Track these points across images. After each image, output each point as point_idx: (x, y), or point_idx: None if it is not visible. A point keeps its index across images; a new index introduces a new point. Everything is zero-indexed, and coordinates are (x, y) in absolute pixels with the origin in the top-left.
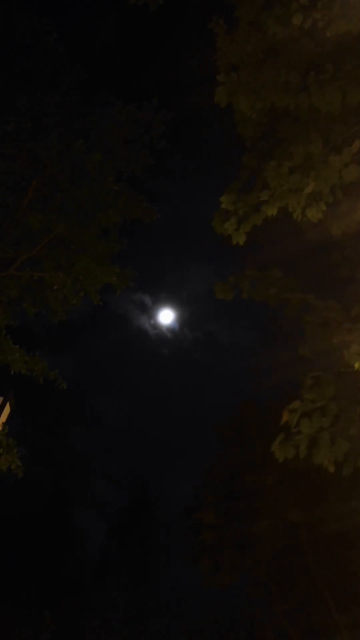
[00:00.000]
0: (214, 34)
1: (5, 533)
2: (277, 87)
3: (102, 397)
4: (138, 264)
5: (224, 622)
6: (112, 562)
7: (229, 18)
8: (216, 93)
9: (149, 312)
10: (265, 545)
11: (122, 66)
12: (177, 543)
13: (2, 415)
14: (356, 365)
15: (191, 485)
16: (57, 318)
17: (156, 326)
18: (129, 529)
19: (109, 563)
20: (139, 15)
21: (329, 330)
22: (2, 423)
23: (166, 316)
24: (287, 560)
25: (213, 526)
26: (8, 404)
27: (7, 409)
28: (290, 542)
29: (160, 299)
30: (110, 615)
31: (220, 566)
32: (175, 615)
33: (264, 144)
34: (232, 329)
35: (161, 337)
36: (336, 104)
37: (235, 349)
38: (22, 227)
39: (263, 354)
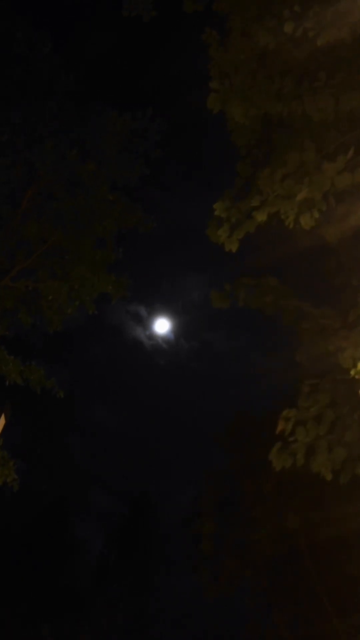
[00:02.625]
0: (207, 44)
1: (3, 543)
2: (270, 94)
3: (99, 406)
4: (133, 274)
5: (223, 631)
6: (111, 572)
7: (222, 29)
8: (209, 99)
9: (145, 323)
10: (264, 553)
11: (117, 76)
12: (176, 552)
13: None
14: (352, 372)
15: (190, 493)
16: (52, 328)
17: (152, 337)
18: (128, 537)
19: (108, 572)
20: (134, 26)
21: (325, 337)
22: None
23: (162, 325)
24: (286, 567)
25: (212, 536)
26: (3, 415)
27: (2, 421)
28: (289, 549)
29: (156, 309)
30: (109, 625)
31: (219, 575)
32: (174, 625)
33: (258, 152)
34: (229, 337)
35: (157, 348)
36: (329, 111)
37: (232, 358)
38: (17, 237)
39: (260, 361)
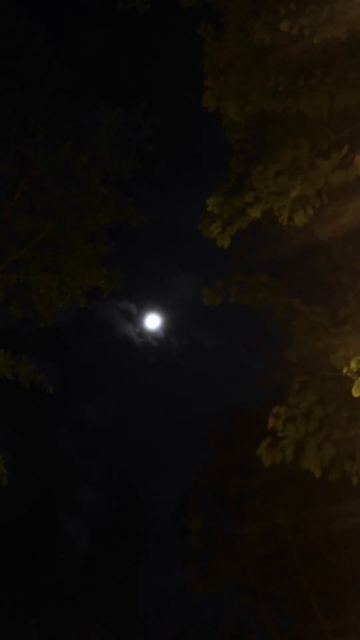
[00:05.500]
0: (202, 39)
1: None
2: (266, 91)
3: (88, 402)
4: (124, 271)
5: (210, 627)
6: (98, 568)
7: (217, 24)
8: (204, 98)
9: (135, 320)
10: (252, 550)
11: (110, 69)
12: (164, 548)
13: None
14: (344, 370)
15: (179, 490)
16: (43, 322)
17: (142, 334)
18: (116, 534)
19: (95, 569)
20: (128, 20)
21: (316, 334)
22: None
23: (152, 321)
24: (274, 564)
25: (200, 532)
26: None
27: None
28: (277, 546)
29: (146, 307)
30: (96, 621)
31: (206, 572)
32: (161, 621)
33: (252, 148)
34: (219, 335)
35: (147, 345)
36: (324, 108)
37: (222, 355)
38: (8, 230)
39: (250, 359)
